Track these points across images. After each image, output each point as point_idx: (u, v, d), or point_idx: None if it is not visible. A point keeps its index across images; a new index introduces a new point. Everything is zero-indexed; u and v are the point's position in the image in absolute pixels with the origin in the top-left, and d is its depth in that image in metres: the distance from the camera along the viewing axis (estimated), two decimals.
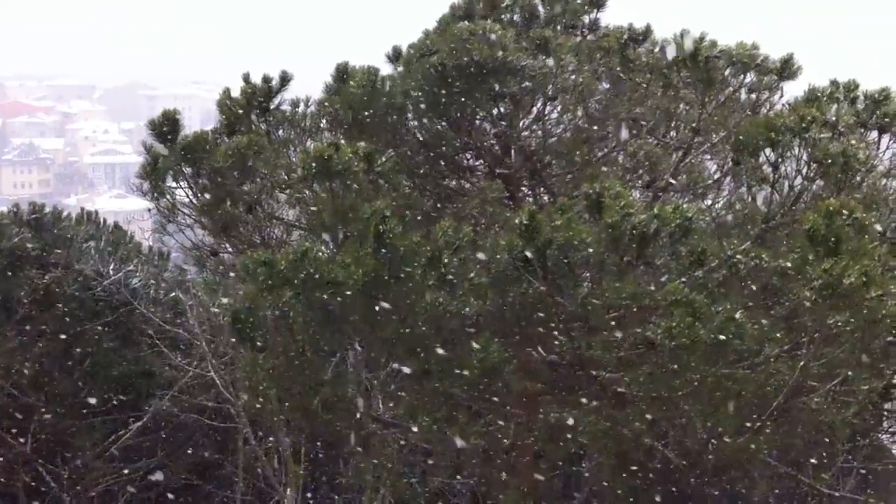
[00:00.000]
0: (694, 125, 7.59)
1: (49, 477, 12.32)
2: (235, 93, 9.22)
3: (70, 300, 12.83)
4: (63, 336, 12.60)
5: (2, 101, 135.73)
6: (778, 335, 6.06)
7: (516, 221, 5.95)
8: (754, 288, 6.22)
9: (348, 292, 6.24)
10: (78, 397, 12.61)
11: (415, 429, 6.92)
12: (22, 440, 12.01)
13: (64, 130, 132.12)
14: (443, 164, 7.96)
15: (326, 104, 8.34)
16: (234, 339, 9.68)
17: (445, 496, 11.28)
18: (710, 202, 8.11)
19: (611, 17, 8.50)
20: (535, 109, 7.82)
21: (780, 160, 6.73)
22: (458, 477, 8.58)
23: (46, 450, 12.37)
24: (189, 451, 13.39)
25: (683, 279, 5.81)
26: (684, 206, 6.02)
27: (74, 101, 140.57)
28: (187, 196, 8.98)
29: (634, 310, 5.80)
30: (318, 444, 11.86)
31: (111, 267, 13.62)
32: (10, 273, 11.82)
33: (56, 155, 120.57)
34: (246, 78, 9.30)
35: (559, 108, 7.83)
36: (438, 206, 7.72)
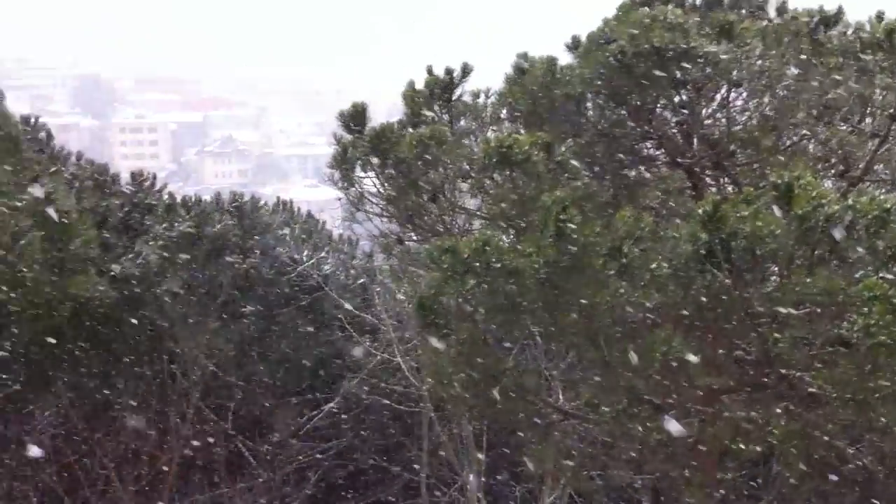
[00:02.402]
0: (891, 111, 7.14)
1: (248, 453, 13.05)
2: (419, 85, 9.48)
3: (267, 285, 13.52)
4: (261, 319, 13.32)
5: (201, 97, 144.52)
6: None
7: (699, 212, 5.80)
8: None
9: (529, 282, 6.28)
10: (274, 378, 13.31)
11: (595, 421, 6.90)
12: (223, 417, 12.79)
13: (259, 123, 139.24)
14: (622, 153, 7.86)
15: (506, 95, 8.41)
16: (418, 326, 9.94)
17: (626, 491, 11.16)
18: None
19: (799, 0, 8.14)
20: (718, 96, 7.58)
21: None
22: (640, 472, 8.47)
23: (245, 427, 13.11)
24: (376, 433, 13.86)
25: (882, 275, 5.49)
26: (882, 196, 5.68)
27: (269, 95, 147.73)
28: (375, 185, 9.30)
29: (827, 306, 5.54)
30: (500, 431, 12.00)
31: (304, 253, 14.25)
32: (213, 258, 12.57)
33: (253, 147, 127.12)
34: (429, 70, 9.53)
35: (744, 95, 7.56)
36: (618, 196, 7.64)
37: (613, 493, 11.16)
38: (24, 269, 8.96)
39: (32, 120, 12.36)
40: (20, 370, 10.96)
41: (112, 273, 10.79)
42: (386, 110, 13.45)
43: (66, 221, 9.44)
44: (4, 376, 10.74)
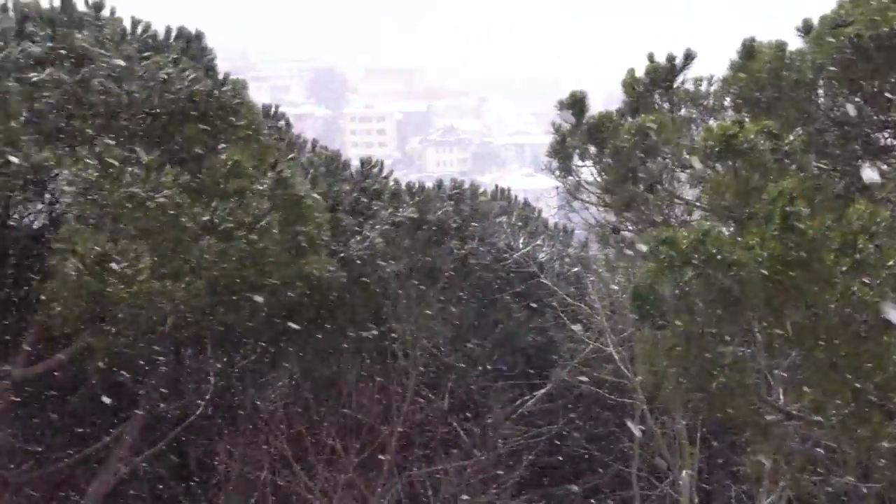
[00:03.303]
0: None
1: (463, 432, 13.43)
2: (640, 73, 9.38)
3: (484, 270, 13.84)
4: (477, 303, 13.65)
5: (426, 87, 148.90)
6: None
7: None
8: None
9: (750, 275, 6.11)
10: (489, 361, 13.61)
11: (819, 423, 6.61)
12: (440, 397, 13.23)
13: (479, 113, 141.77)
14: (856, 143, 7.44)
15: (731, 81, 8.16)
16: (633, 316, 9.86)
17: (850, 498, 10.55)
18: None
19: None
20: None
21: None
22: (866, 479, 8.01)
23: (460, 407, 13.50)
24: (588, 422, 13.87)
25: None
26: None
27: (489, 84, 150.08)
28: (592, 174, 9.32)
29: None
30: (716, 428, 11.69)
31: (520, 241, 14.45)
32: (434, 243, 13.02)
33: (473, 136, 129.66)
34: (650, 57, 9.42)
35: None
36: (851, 188, 7.24)
37: (836, 500, 10.58)
38: (263, 249, 9.64)
39: (272, 109, 13.22)
40: (257, 343, 11.84)
41: (342, 254, 11.40)
42: (603, 100, 13.37)
43: (302, 205, 10.08)
44: (247, 348, 11.65)
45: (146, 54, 10.33)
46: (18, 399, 10.67)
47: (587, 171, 9.40)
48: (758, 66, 7.63)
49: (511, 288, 13.87)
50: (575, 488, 13.78)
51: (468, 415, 13.51)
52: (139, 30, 11.13)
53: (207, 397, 11.71)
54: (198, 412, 11.66)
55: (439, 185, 14.39)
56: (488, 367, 13.57)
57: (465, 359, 13.37)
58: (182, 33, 11.42)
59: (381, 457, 12.52)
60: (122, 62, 9.87)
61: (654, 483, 12.68)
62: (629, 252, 9.87)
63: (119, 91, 9.70)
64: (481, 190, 15.23)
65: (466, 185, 14.73)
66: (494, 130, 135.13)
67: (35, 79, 9.56)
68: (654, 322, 6.65)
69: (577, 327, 13.16)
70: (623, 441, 13.34)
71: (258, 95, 14.02)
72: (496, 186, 16.55)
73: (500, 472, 13.43)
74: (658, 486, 12.53)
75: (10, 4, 10.66)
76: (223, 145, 9.81)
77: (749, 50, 8.04)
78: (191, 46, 11.25)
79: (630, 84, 9.19)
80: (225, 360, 11.96)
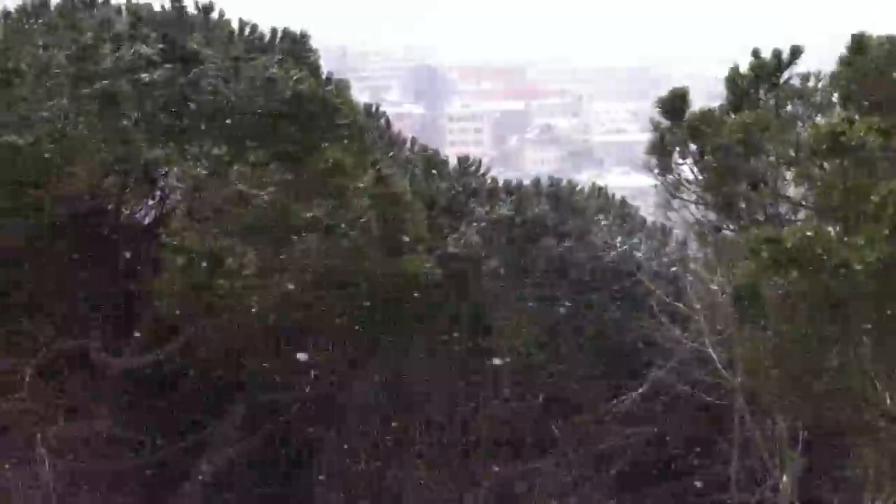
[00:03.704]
0: None
1: (556, 431, 13.37)
2: (743, 68, 9.22)
3: (580, 269, 13.75)
4: (572, 301, 13.57)
5: (524, 86, 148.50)
6: None
7: None
8: None
9: (859, 277, 5.96)
10: (583, 359, 13.52)
11: None
12: (533, 395, 13.20)
13: (576, 111, 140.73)
14: None
15: (839, 77, 7.95)
16: (734, 317, 9.69)
17: None
18: None
19: None
20: None
21: None
22: None
23: (554, 406, 13.44)
24: (685, 423, 13.65)
25: None
26: None
27: (584, 84, 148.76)
28: (692, 172, 9.21)
29: None
30: (819, 431, 11.36)
31: (618, 239, 14.30)
32: (530, 241, 13.02)
33: (570, 134, 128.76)
34: (755, 53, 9.25)
35: None
36: None
37: None
38: (363, 246, 9.83)
39: (373, 108, 13.42)
40: (354, 338, 12.04)
41: (439, 252, 11.51)
42: (704, 96, 13.13)
43: (401, 202, 10.23)
44: (344, 342, 11.87)
45: (253, 55, 10.62)
46: (128, 388, 11.12)
47: (687, 169, 9.29)
48: (868, 62, 7.41)
49: (607, 286, 13.73)
50: (672, 490, 13.59)
51: (562, 413, 13.44)
52: (246, 31, 11.44)
53: (307, 390, 11.96)
54: (297, 404, 11.92)
55: (536, 183, 14.35)
56: (583, 365, 13.48)
57: (560, 357, 13.31)
58: (287, 34, 11.68)
59: (472, 454, 12.58)
60: (229, 63, 10.19)
61: (753, 487, 12.41)
62: (730, 251, 9.71)
63: (227, 91, 10.02)
64: (578, 188, 15.13)
65: (563, 184, 14.65)
66: (592, 128, 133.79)
67: (147, 79, 9.96)
68: (755, 323, 6.56)
69: (674, 327, 12.96)
70: (721, 443, 13.09)
71: (359, 95, 14.25)
72: (593, 184, 16.35)
73: (595, 472, 13.33)
74: (757, 491, 12.25)
75: (123, 8, 11.11)
76: (325, 144, 10.03)
77: (858, 45, 7.81)
78: (295, 47, 11.50)
79: (732, 80, 9.04)
80: (324, 353, 12.21)
